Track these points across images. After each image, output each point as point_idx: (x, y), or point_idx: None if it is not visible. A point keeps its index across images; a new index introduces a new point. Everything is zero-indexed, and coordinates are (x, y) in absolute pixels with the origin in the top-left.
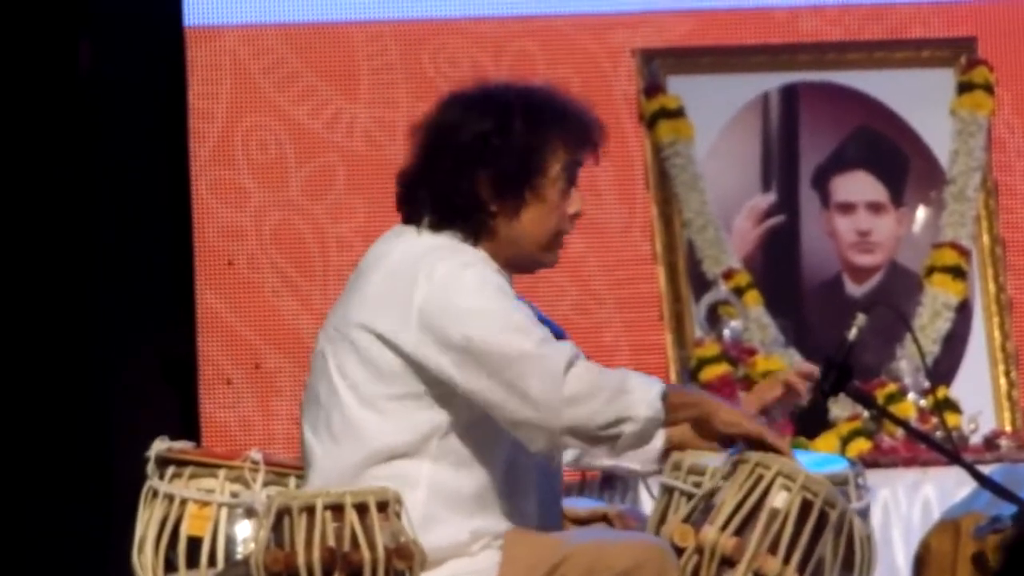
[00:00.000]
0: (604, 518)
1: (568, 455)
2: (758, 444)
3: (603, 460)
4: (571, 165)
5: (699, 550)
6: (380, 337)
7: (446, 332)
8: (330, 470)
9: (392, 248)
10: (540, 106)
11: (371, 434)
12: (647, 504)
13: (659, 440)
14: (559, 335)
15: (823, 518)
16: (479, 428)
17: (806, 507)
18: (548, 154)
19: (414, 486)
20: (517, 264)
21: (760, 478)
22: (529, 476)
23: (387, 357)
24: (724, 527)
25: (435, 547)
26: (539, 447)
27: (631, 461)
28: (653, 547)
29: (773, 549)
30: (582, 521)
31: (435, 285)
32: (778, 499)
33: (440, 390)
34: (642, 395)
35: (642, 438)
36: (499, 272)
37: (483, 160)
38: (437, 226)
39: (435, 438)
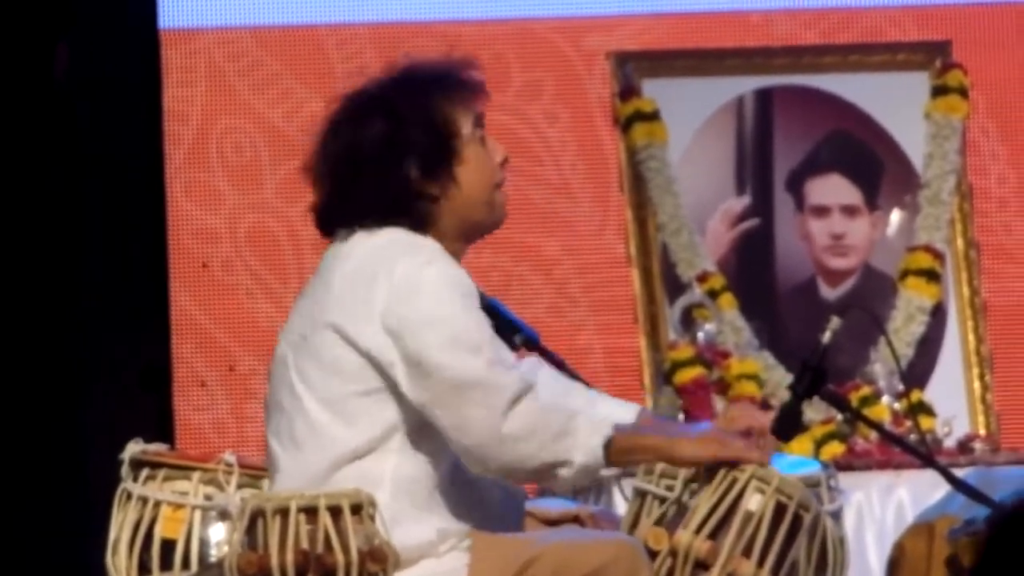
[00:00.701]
0: (576, 519)
1: None
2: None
3: None
4: (475, 118)
5: (673, 553)
6: (342, 335)
7: (403, 340)
8: (295, 477)
9: (349, 249)
10: (417, 81)
11: (335, 437)
12: (621, 506)
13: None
14: (533, 338)
15: (797, 521)
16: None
17: (780, 510)
18: (449, 119)
19: (379, 484)
20: (470, 233)
21: (734, 481)
22: None
23: (348, 356)
24: (698, 530)
25: (404, 547)
26: (476, 472)
27: None
28: (624, 545)
29: (747, 552)
30: (553, 522)
31: (395, 285)
32: (752, 502)
33: (399, 387)
34: (583, 440)
35: (578, 481)
36: (457, 265)
37: (400, 156)
38: (383, 224)
39: (397, 433)
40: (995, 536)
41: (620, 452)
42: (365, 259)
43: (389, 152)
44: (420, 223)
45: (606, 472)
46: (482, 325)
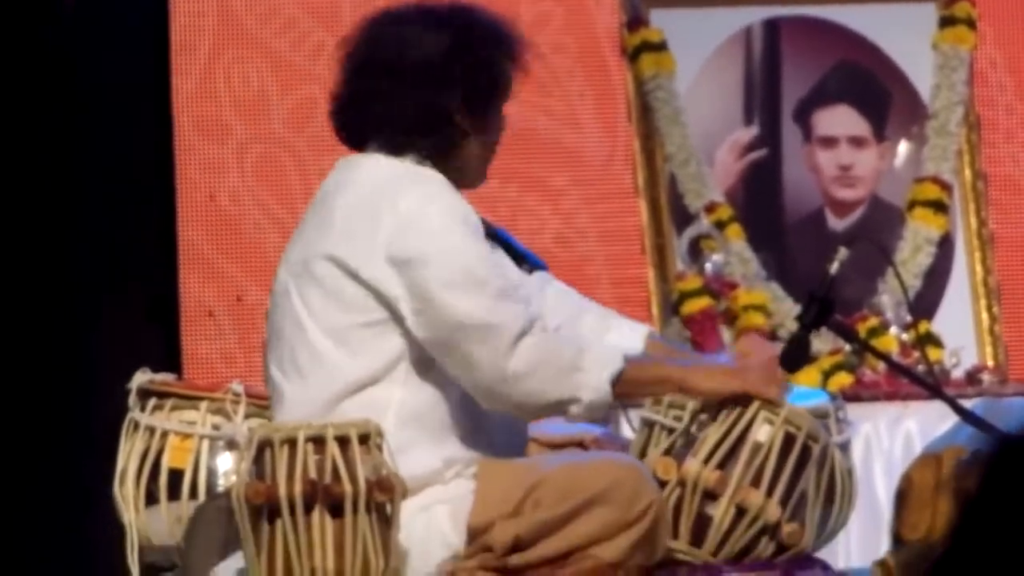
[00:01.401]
0: (580, 444)
1: None
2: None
3: None
4: (510, 91)
5: (681, 483)
6: (344, 268)
7: (408, 273)
8: (299, 406)
9: (353, 176)
10: (488, 25)
11: (340, 367)
12: (626, 433)
13: None
14: (541, 268)
15: (806, 452)
16: None
17: (789, 440)
18: (506, 76)
19: (384, 414)
20: (463, 174)
21: (743, 412)
22: None
23: (351, 287)
24: (707, 460)
25: (411, 476)
26: (483, 406)
27: None
28: (628, 466)
29: (756, 482)
30: (557, 446)
31: (400, 219)
32: (761, 432)
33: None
34: (593, 377)
35: (590, 416)
36: (462, 199)
37: (452, 78)
38: (400, 147)
39: (403, 363)
40: (995, 464)
41: (631, 383)
42: (369, 190)
43: (445, 70)
44: (441, 148)
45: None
46: (487, 257)
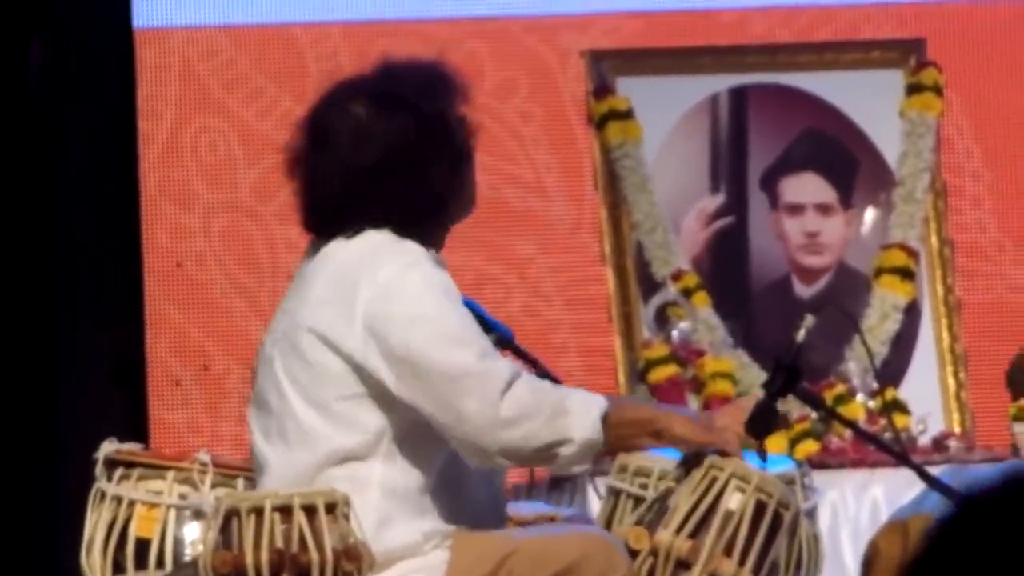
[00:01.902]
0: (551, 521)
1: None
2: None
3: None
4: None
5: (654, 552)
6: (325, 340)
7: (388, 340)
8: (284, 474)
9: (335, 250)
10: (426, 80)
11: (324, 437)
12: (595, 508)
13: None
14: (507, 337)
15: (777, 519)
16: (425, 426)
17: (760, 508)
18: (457, 117)
19: (367, 487)
20: (446, 233)
21: (714, 480)
22: (477, 469)
23: (332, 360)
24: (679, 530)
25: (389, 549)
26: (475, 463)
27: None
28: (600, 539)
29: (728, 551)
30: (528, 524)
31: (379, 289)
32: (732, 501)
33: (384, 392)
34: (581, 418)
35: (580, 460)
36: (441, 267)
37: (431, 154)
38: (391, 228)
39: (385, 438)
40: (948, 522)
41: (617, 425)
42: (350, 263)
43: (420, 150)
44: (437, 226)
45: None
46: (468, 321)
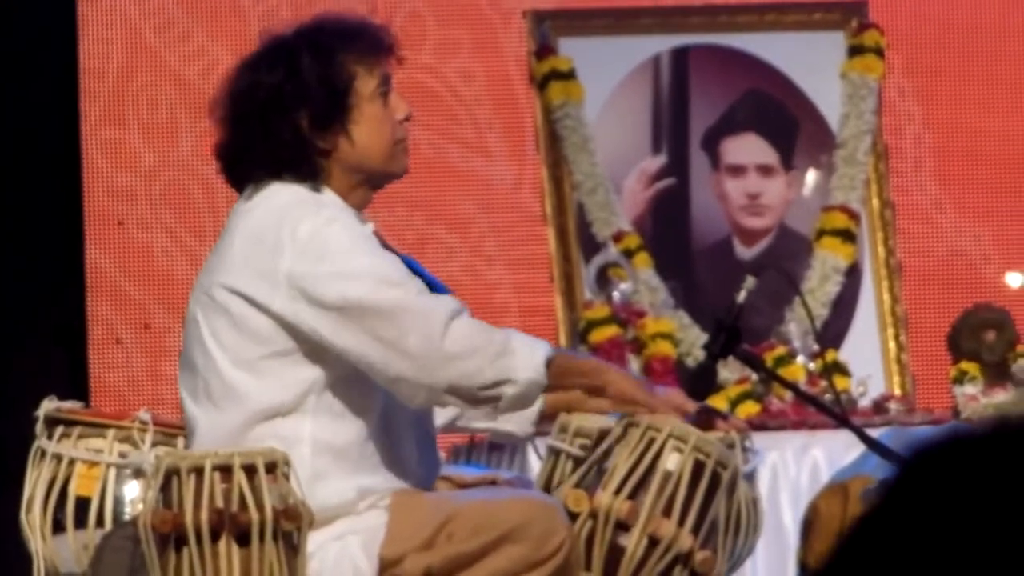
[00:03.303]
0: (492, 484)
1: (442, 417)
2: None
3: (479, 422)
4: (383, 77)
5: (593, 515)
6: (249, 300)
7: (319, 294)
8: (212, 435)
9: (252, 206)
10: (324, 35)
11: (250, 396)
12: (536, 470)
13: (537, 403)
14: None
15: (715, 478)
16: (354, 381)
17: (698, 468)
18: (349, 76)
19: (298, 444)
20: (371, 182)
21: (652, 441)
22: (405, 422)
23: (258, 319)
24: (618, 491)
25: (324, 506)
26: (419, 402)
27: (508, 424)
28: (541, 503)
29: (667, 512)
30: (468, 487)
31: (300, 246)
32: (670, 461)
33: (313, 346)
34: (526, 358)
35: (523, 401)
36: (360, 219)
37: (291, 107)
38: (279, 179)
39: (312, 394)
40: (895, 490)
41: (560, 372)
42: (266, 219)
43: (281, 101)
44: (310, 175)
45: (518, 429)
46: (397, 264)
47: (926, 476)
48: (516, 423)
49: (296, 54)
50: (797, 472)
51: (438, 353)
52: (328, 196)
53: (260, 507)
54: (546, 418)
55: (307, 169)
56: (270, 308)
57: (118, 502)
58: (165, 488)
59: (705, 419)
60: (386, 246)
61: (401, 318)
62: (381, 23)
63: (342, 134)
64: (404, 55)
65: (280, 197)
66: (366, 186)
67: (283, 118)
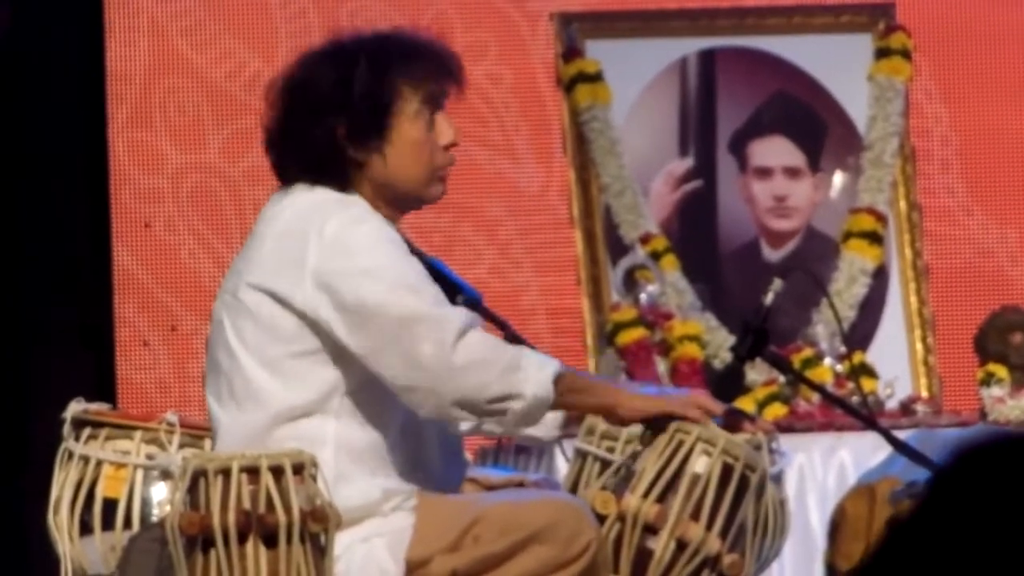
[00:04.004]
0: (519, 486)
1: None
2: (669, 418)
3: (502, 428)
4: (431, 98)
5: (621, 518)
6: (274, 297)
7: (339, 293)
8: (235, 435)
9: (281, 208)
10: (386, 49)
11: (273, 396)
12: (563, 472)
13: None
14: (476, 299)
15: (744, 482)
16: (378, 384)
17: (727, 471)
18: (397, 94)
19: (321, 445)
20: (400, 203)
21: (680, 444)
22: (430, 425)
23: (282, 317)
24: (646, 494)
25: (349, 506)
26: (426, 413)
27: (533, 428)
28: (568, 505)
29: (695, 515)
30: (495, 488)
31: (326, 243)
32: (699, 464)
33: (335, 346)
34: (534, 375)
35: (529, 417)
36: (388, 223)
37: (333, 111)
38: (311, 182)
39: (337, 395)
40: (933, 495)
41: (568, 390)
42: (295, 218)
43: (325, 105)
44: (340, 182)
45: (543, 434)
46: (420, 270)
47: (968, 477)
48: (542, 427)
49: (353, 62)
50: (824, 474)
51: (448, 364)
52: (356, 198)
53: (287, 509)
54: (572, 421)
55: (337, 175)
56: (292, 303)
57: (145, 504)
58: (192, 490)
59: (732, 421)
60: (414, 250)
61: (414, 326)
62: (448, 48)
63: (376, 151)
64: (467, 81)
65: (309, 197)
66: (394, 206)
67: (322, 121)
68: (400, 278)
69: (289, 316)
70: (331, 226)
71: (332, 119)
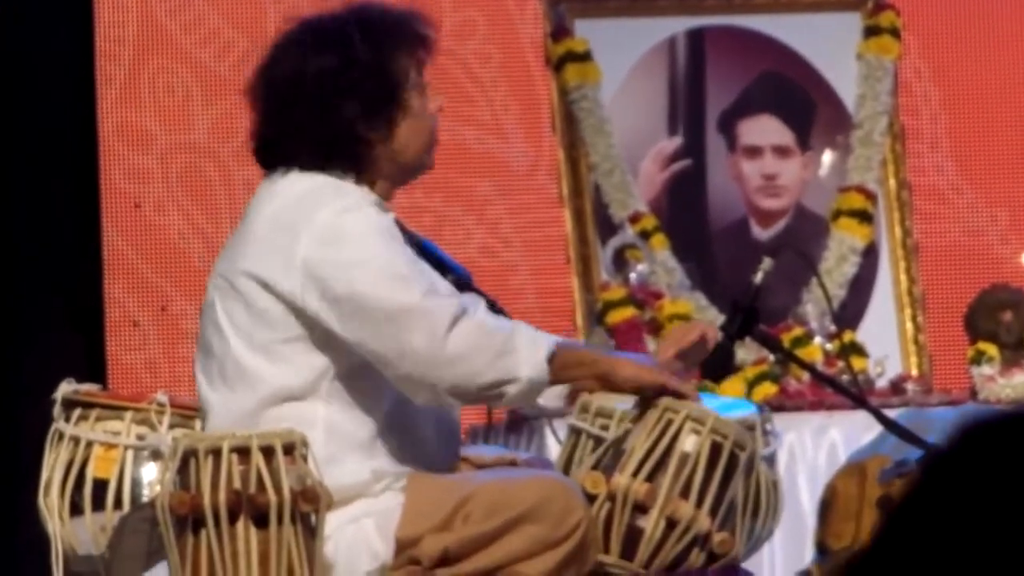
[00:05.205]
0: (511, 464)
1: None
2: (662, 393)
3: None
4: (420, 65)
5: (611, 497)
6: (264, 285)
7: (329, 283)
8: (225, 416)
9: (272, 193)
10: (374, 23)
11: (263, 379)
12: (554, 451)
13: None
14: (465, 279)
15: (733, 460)
16: (369, 369)
17: (716, 450)
18: (399, 66)
19: (311, 427)
20: (403, 176)
21: (669, 422)
22: (424, 408)
23: (272, 304)
24: (635, 473)
25: (339, 485)
26: (421, 400)
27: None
28: (558, 484)
29: (685, 493)
30: (487, 467)
31: (316, 233)
32: (688, 443)
33: (323, 334)
34: (527, 355)
35: (526, 397)
36: (381, 208)
37: (343, 95)
38: (318, 168)
39: (327, 379)
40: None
41: (563, 366)
42: (286, 205)
43: (333, 89)
44: (354, 165)
45: (548, 403)
46: (412, 259)
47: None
48: (547, 397)
49: (348, 40)
50: (814, 453)
51: (440, 354)
52: (351, 185)
53: (278, 489)
54: (577, 392)
55: (352, 158)
56: (284, 293)
57: (136, 484)
58: (183, 470)
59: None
60: (406, 232)
61: (405, 317)
62: (421, 13)
63: (391, 126)
64: (440, 47)
65: (302, 184)
66: (396, 178)
67: (333, 106)
68: (391, 269)
69: (275, 302)
70: (322, 215)
71: (343, 102)
